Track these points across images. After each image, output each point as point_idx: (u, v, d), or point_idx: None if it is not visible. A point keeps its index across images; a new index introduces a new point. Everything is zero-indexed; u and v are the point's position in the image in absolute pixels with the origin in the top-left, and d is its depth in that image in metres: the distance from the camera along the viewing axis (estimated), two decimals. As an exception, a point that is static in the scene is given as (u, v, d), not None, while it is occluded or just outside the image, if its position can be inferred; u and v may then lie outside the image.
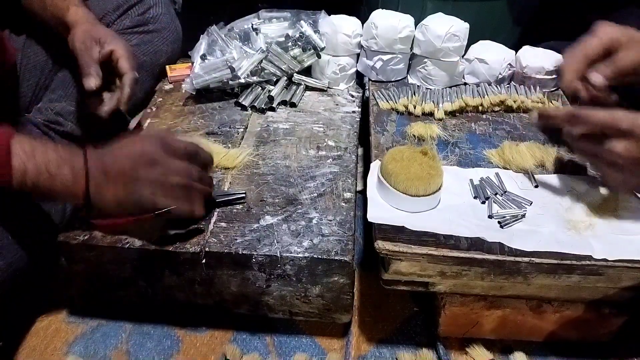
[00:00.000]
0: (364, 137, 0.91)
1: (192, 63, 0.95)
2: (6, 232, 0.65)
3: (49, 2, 0.79)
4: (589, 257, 0.60)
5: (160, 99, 0.97)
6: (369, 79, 1.00)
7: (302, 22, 0.97)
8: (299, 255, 0.64)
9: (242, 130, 0.87)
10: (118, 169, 0.58)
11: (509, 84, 0.95)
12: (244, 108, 0.93)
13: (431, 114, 0.88)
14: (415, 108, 0.88)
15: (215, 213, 0.70)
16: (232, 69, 0.91)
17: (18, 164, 0.55)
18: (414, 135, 0.83)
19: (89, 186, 0.57)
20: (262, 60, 0.94)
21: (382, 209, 0.66)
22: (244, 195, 0.72)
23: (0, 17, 0.85)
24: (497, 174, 0.73)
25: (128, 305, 0.75)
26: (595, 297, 0.65)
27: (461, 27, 0.91)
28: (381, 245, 0.61)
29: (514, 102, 0.89)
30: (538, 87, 0.92)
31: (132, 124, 0.91)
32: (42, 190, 0.57)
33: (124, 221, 0.66)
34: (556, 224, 0.65)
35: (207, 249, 0.64)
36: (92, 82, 0.72)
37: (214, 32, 0.97)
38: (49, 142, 0.61)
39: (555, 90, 0.96)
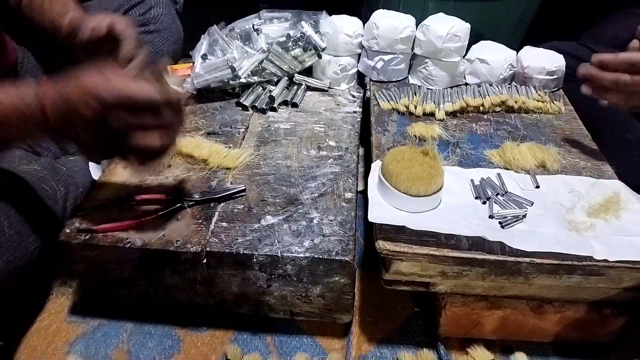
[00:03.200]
0: (365, 137, 0.91)
1: (193, 63, 0.95)
2: (4, 231, 0.65)
3: (47, 9, 0.78)
4: (590, 258, 0.60)
5: (162, 99, 0.97)
6: (370, 79, 1.00)
7: (303, 22, 0.97)
8: (300, 255, 0.64)
9: (243, 130, 0.87)
10: (84, 111, 0.53)
11: (510, 84, 0.95)
12: (245, 108, 0.93)
13: (432, 114, 0.89)
14: (416, 108, 0.88)
15: (217, 213, 0.70)
16: (233, 69, 0.91)
17: None
18: (415, 136, 0.83)
19: (48, 112, 0.54)
20: (263, 60, 0.94)
21: (383, 209, 0.66)
22: (243, 188, 0.72)
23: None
24: (498, 175, 0.73)
25: (129, 304, 0.75)
26: (596, 297, 0.65)
27: (462, 28, 0.91)
28: (382, 245, 0.61)
29: (515, 102, 0.89)
30: (539, 87, 0.92)
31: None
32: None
33: (126, 225, 0.66)
34: (557, 224, 0.65)
35: (208, 249, 0.64)
36: (83, 34, 0.68)
37: (215, 32, 0.97)
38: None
39: (556, 90, 0.96)
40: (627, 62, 0.65)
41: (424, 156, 0.67)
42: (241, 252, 0.64)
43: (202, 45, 0.95)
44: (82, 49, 0.73)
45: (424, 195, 0.65)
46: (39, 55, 0.87)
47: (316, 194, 0.73)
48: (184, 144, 0.80)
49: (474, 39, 0.95)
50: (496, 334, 0.71)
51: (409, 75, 1.01)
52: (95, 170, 0.86)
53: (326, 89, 0.99)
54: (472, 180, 0.72)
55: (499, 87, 0.93)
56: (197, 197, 0.71)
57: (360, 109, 0.95)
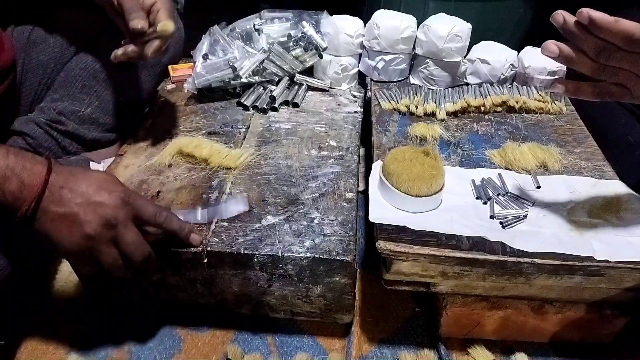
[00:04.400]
0: (366, 137, 0.91)
1: (194, 63, 0.95)
2: (4, 231, 0.65)
3: None
4: (591, 258, 0.60)
5: (163, 99, 0.97)
6: (371, 79, 1.00)
7: (304, 22, 0.97)
8: (301, 255, 0.64)
9: (244, 130, 0.87)
10: (70, 207, 0.53)
11: (511, 84, 0.95)
12: (246, 108, 0.93)
13: (433, 115, 0.88)
14: (417, 108, 0.88)
15: (217, 213, 0.70)
16: (234, 69, 0.91)
17: None
18: (416, 136, 0.83)
19: (35, 207, 0.52)
20: (264, 60, 0.94)
21: (383, 209, 0.66)
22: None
23: (3, 15, 0.85)
24: (499, 175, 0.73)
25: (130, 304, 0.75)
26: (597, 298, 0.65)
27: (463, 28, 0.91)
28: (383, 245, 0.61)
29: (516, 102, 0.89)
30: (540, 88, 0.92)
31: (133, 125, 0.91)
32: None
33: None
34: (558, 225, 0.65)
35: (208, 249, 0.64)
36: (139, 23, 0.66)
37: (216, 32, 0.97)
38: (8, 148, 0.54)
39: (557, 90, 0.96)
40: (626, 34, 0.49)
41: (425, 156, 0.67)
42: (242, 252, 0.64)
43: (203, 45, 0.95)
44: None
45: (425, 196, 0.65)
46: (45, 48, 0.86)
47: (317, 194, 0.73)
48: (185, 143, 0.80)
49: (475, 39, 0.95)
50: (497, 334, 0.71)
51: (410, 75, 1.01)
52: (96, 170, 0.86)
53: (327, 89, 0.99)
54: (473, 181, 0.72)
55: (500, 87, 0.92)
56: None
57: (361, 109, 0.95)
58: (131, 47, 0.70)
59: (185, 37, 1.03)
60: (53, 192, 0.53)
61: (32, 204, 0.52)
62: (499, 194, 0.69)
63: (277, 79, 0.98)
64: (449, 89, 0.95)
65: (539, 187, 0.72)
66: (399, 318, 0.76)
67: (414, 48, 0.97)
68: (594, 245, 0.61)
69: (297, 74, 0.98)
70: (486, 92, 0.91)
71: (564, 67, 0.94)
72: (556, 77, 0.93)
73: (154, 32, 0.69)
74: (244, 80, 0.94)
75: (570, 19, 0.51)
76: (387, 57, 0.96)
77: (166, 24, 0.69)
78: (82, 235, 0.54)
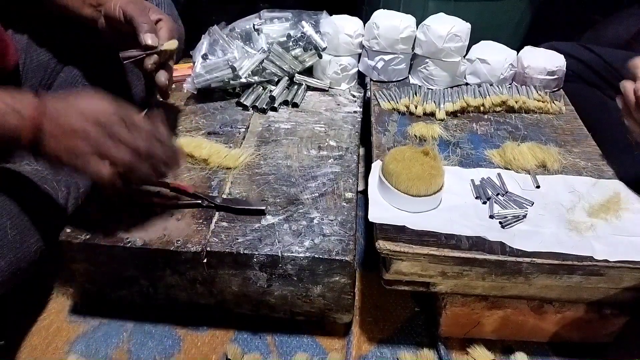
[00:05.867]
0: (365, 137, 0.91)
1: (194, 63, 0.95)
2: (7, 232, 0.65)
3: None
4: (590, 258, 0.60)
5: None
6: (371, 79, 1.00)
7: (303, 22, 0.97)
8: (300, 255, 0.64)
9: (243, 130, 0.87)
10: (68, 121, 0.56)
11: (510, 84, 0.95)
12: (245, 108, 0.93)
13: (432, 114, 0.89)
14: (416, 108, 0.88)
15: (217, 213, 0.70)
16: (234, 69, 0.91)
17: None
18: (416, 136, 0.83)
19: (38, 133, 0.55)
20: (263, 60, 0.94)
21: (383, 209, 0.66)
22: (263, 209, 0.69)
23: (4, 16, 0.85)
24: (498, 175, 0.73)
25: (129, 304, 0.75)
26: (597, 297, 0.65)
27: (463, 27, 0.91)
28: (382, 245, 0.62)
29: (516, 102, 0.89)
30: (540, 87, 0.92)
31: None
32: None
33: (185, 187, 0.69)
34: (557, 224, 0.65)
35: (208, 249, 0.64)
36: (149, 38, 0.70)
37: (216, 32, 0.97)
38: None
39: (556, 90, 0.96)
40: None
41: (425, 156, 0.67)
42: (241, 252, 0.64)
43: (203, 45, 0.95)
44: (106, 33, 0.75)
45: (424, 195, 0.65)
46: (46, 48, 0.86)
47: (316, 194, 0.73)
48: (184, 143, 0.80)
49: (474, 38, 0.95)
50: (496, 334, 0.71)
51: (410, 75, 1.01)
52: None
53: (327, 88, 0.99)
54: (472, 180, 0.72)
55: (500, 87, 0.92)
56: (219, 201, 0.70)
57: (361, 109, 0.95)
58: (134, 52, 0.72)
59: (185, 37, 1.03)
60: (51, 113, 0.56)
61: (34, 130, 0.55)
62: (498, 194, 0.70)
63: (276, 79, 0.98)
64: (449, 88, 0.95)
65: (538, 186, 0.72)
66: (399, 318, 0.76)
67: (413, 48, 0.97)
68: (593, 245, 0.61)
69: (296, 74, 0.98)
70: (485, 92, 0.91)
71: (563, 67, 0.94)
72: (555, 77, 0.93)
73: (158, 46, 0.72)
74: (243, 80, 0.94)
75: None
76: (387, 57, 0.96)
77: (172, 43, 0.72)
78: (80, 140, 0.56)
